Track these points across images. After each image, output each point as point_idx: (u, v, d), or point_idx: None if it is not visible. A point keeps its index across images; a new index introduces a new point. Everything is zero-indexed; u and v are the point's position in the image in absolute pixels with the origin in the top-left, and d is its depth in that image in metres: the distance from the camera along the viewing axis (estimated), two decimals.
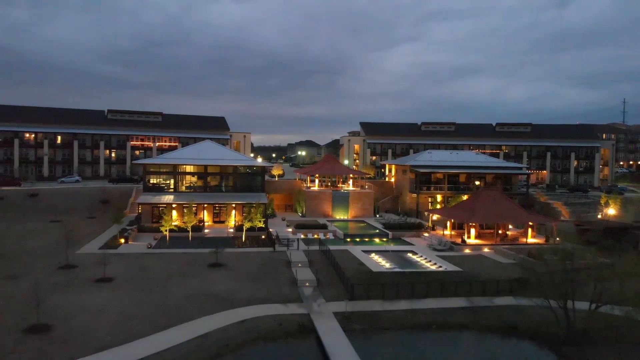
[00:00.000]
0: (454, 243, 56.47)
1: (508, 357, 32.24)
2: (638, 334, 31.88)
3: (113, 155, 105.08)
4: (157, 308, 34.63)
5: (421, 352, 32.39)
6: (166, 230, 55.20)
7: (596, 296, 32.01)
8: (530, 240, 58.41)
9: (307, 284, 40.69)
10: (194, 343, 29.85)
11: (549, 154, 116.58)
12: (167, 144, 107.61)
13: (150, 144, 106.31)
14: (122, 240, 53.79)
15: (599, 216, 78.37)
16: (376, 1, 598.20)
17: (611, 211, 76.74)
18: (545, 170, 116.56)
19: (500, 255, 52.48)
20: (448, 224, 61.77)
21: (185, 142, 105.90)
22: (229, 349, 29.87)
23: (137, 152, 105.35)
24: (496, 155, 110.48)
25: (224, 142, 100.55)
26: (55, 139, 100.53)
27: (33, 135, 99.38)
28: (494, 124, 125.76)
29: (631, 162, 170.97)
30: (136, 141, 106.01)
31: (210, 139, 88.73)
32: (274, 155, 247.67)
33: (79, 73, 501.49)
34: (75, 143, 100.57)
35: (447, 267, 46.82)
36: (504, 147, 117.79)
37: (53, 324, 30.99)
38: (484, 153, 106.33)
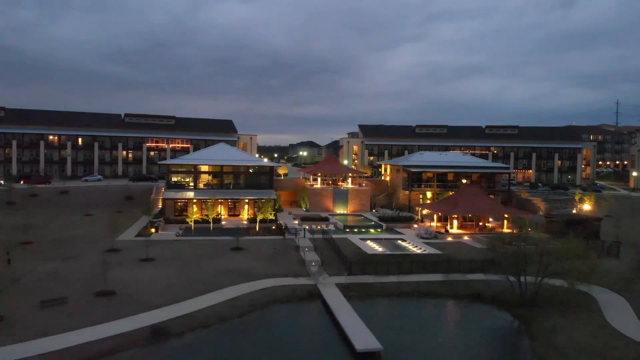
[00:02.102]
0: (439, 232, 65.18)
1: (473, 317, 40.96)
2: (574, 299, 40.78)
3: (130, 156, 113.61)
4: (194, 279, 43.40)
5: (405, 311, 41.35)
6: (192, 221, 63.99)
7: (541, 271, 40.61)
8: (506, 230, 67.02)
9: (313, 263, 49.43)
10: (228, 304, 38.65)
11: (534, 155, 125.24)
12: (180, 145, 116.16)
13: (165, 145, 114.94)
14: (153, 230, 62.49)
15: (574, 211, 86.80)
16: (382, 1, 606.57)
17: (586, 206, 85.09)
18: (530, 169, 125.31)
19: (477, 242, 61.08)
20: (435, 216, 70.44)
21: (196, 144, 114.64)
22: (255, 308, 38.79)
23: (152, 153, 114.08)
24: (485, 156, 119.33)
25: (231, 144, 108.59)
26: (77, 140, 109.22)
27: (57, 138, 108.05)
28: (483, 126, 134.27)
29: (617, 162, 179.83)
30: (151, 143, 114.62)
31: (220, 140, 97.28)
32: (275, 155, 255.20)
33: (83, 73, 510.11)
34: (96, 145, 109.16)
35: (430, 251, 55.54)
36: (492, 148, 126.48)
37: (116, 290, 39.66)
38: (474, 154, 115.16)
